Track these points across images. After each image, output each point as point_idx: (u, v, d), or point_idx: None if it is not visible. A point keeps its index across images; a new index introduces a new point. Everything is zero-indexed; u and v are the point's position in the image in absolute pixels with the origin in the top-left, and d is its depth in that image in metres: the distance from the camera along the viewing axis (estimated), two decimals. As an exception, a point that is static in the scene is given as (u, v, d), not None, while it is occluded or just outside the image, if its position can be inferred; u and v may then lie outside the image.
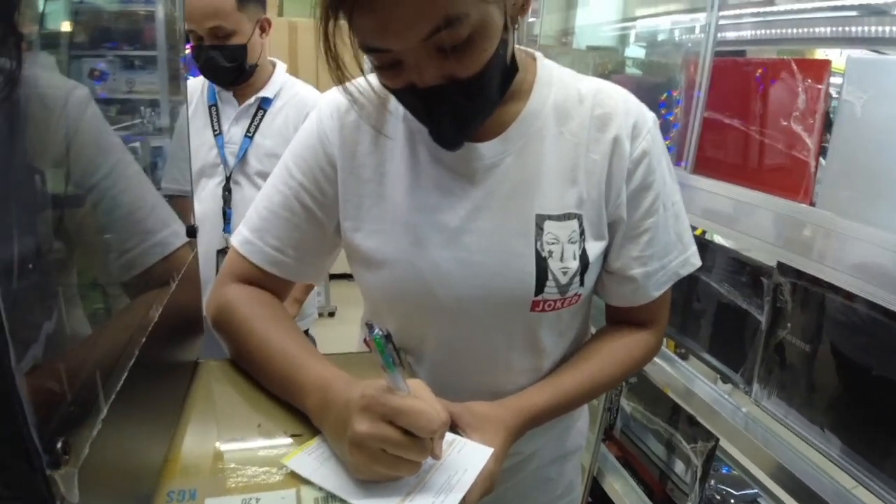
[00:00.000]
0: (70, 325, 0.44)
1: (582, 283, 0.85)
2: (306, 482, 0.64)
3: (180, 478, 0.63)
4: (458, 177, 0.85)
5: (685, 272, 0.93)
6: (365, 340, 0.63)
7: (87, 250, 0.55)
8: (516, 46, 0.83)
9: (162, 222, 0.75)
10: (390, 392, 0.64)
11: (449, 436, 0.72)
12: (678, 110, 1.66)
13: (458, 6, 0.64)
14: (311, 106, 1.81)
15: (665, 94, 1.74)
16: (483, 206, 0.84)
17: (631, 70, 2.17)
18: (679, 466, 1.63)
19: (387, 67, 0.72)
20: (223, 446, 0.69)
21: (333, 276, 4.20)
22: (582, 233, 0.84)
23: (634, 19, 2.27)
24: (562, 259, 0.83)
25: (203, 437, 0.71)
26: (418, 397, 0.65)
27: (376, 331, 0.61)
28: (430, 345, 0.91)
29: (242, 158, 1.81)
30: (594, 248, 0.86)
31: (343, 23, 0.68)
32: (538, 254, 0.83)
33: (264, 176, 1.79)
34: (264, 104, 1.84)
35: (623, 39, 2.34)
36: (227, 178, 1.81)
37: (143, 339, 0.55)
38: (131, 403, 0.51)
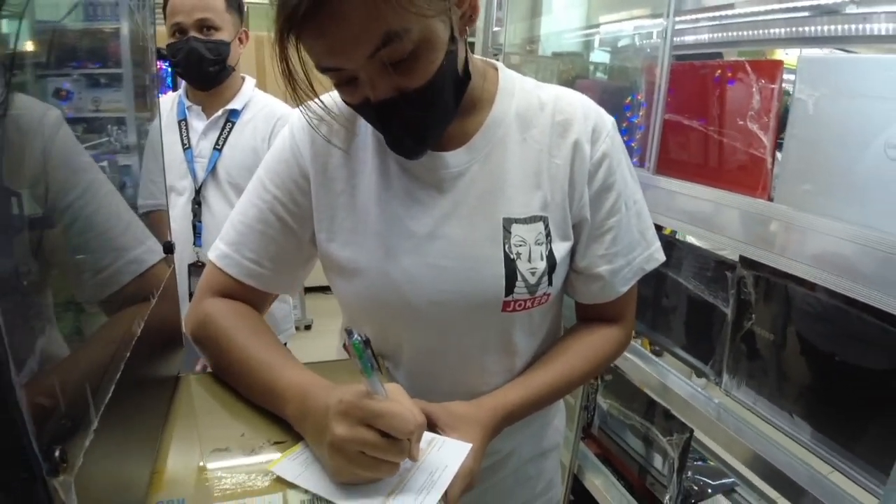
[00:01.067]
0: (54, 342, 0.46)
1: (550, 283, 0.88)
2: (292, 486, 0.66)
3: (168, 488, 0.64)
4: (426, 186, 0.88)
5: (650, 267, 0.97)
6: (344, 346, 0.65)
7: (63, 270, 0.56)
8: (477, 57, 0.88)
9: (136, 240, 0.76)
10: (368, 396, 0.66)
11: (428, 435, 0.74)
12: (642, 112, 1.70)
13: (398, 22, 0.67)
14: (278, 117, 1.86)
15: (630, 98, 1.79)
16: (451, 213, 0.87)
17: (595, 75, 2.21)
18: (657, 460, 1.66)
19: (344, 84, 0.76)
20: (208, 456, 0.71)
21: (309, 290, 4.20)
22: (548, 234, 0.88)
23: (598, 26, 2.31)
24: (529, 260, 0.87)
25: (188, 447, 0.72)
26: (395, 401, 0.67)
27: (355, 336, 0.64)
28: (407, 349, 0.93)
29: (212, 171, 1.82)
30: (560, 249, 0.89)
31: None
32: (506, 255, 0.86)
33: (234, 187, 1.82)
34: (232, 116, 1.85)
35: (587, 45, 2.37)
36: (197, 192, 1.82)
37: (128, 354, 0.57)
38: (119, 416, 0.53)
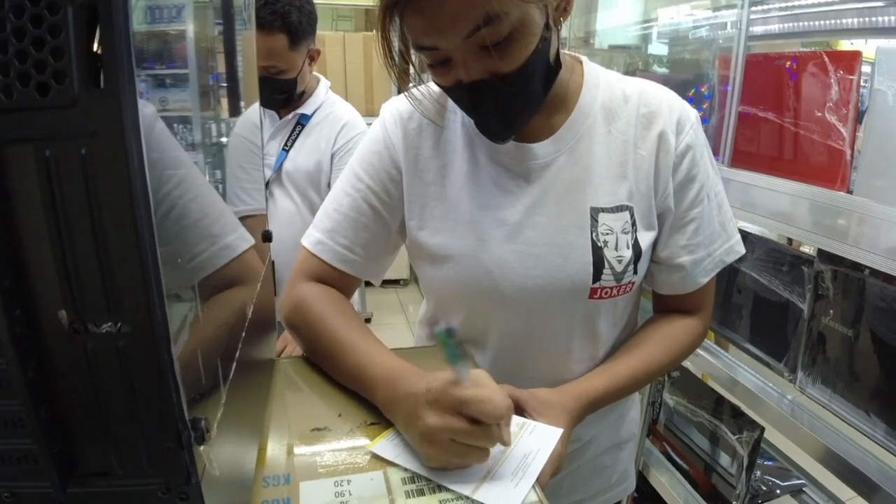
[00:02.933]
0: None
1: (636, 272, 0.90)
2: (392, 464, 0.68)
3: (273, 464, 0.67)
4: (514, 176, 0.91)
5: (730, 259, 0.97)
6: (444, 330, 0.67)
7: (166, 253, 0.59)
8: (563, 51, 0.89)
9: (230, 227, 0.79)
10: (455, 384, 0.67)
11: (518, 419, 0.76)
12: (707, 105, 1.68)
13: (497, 6, 0.69)
14: (344, 123, 1.91)
15: (693, 90, 1.77)
16: (540, 202, 0.89)
17: (655, 68, 2.19)
18: (724, 458, 1.64)
19: (437, 65, 0.78)
20: (308, 435, 0.74)
21: (369, 283, 4.26)
22: (634, 223, 0.89)
23: (656, 19, 2.29)
24: (616, 248, 0.88)
25: (289, 426, 0.76)
26: (482, 386, 0.68)
27: (441, 325, 0.66)
28: (494, 335, 0.95)
29: (278, 170, 1.88)
30: (645, 238, 0.91)
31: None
32: (594, 243, 0.88)
33: (296, 188, 1.88)
34: (302, 120, 1.90)
35: (645, 38, 2.36)
36: (265, 189, 1.87)
37: (243, 334, 0.60)
38: (238, 393, 0.56)
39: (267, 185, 1.87)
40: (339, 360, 0.85)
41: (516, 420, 0.75)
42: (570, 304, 0.90)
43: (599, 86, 0.92)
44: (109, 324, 0.37)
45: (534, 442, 0.72)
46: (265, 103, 1.82)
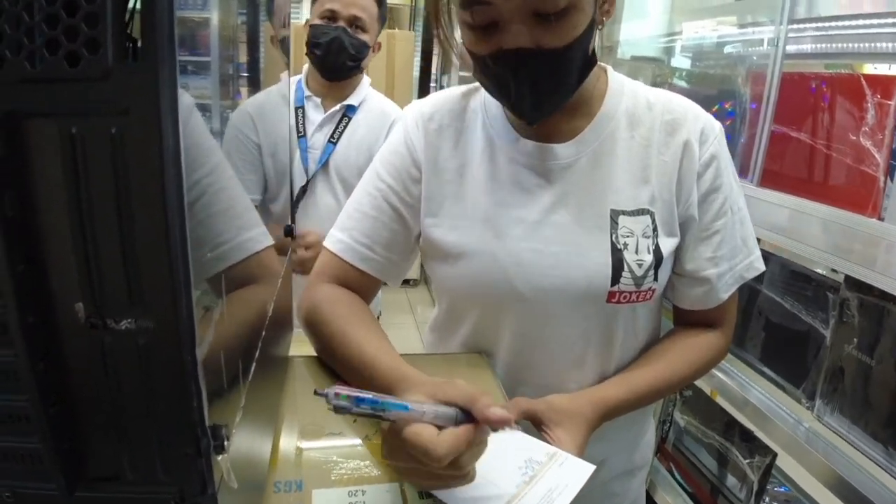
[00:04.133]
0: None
1: (656, 278, 0.87)
2: (409, 477, 0.65)
3: (284, 469, 0.65)
4: (535, 176, 0.89)
5: (749, 276, 0.95)
6: (333, 409, 0.57)
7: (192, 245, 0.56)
8: None
9: (255, 221, 0.77)
10: (400, 427, 0.59)
11: (550, 449, 0.72)
12: (730, 123, 1.65)
13: None
14: (391, 118, 1.90)
15: (717, 106, 1.74)
16: (559, 202, 0.88)
17: (678, 81, 2.16)
18: (732, 481, 1.61)
19: (481, 28, 0.77)
20: (324, 440, 0.71)
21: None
22: (655, 228, 0.88)
23: (681, 32, 2.26)
24: (637, 251, 0.86)
25: (302, 430, 0.73)
26: (443, 396, 0.62)
27: (330, 391, 0.56)
28: (507, 337, 0.93)
29: (324, 164, 1.85)
30: (667, 244, 0.89)
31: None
32: (613, 245, 0.86)
33: (343, 182, 1.86)
34: (349, 111, 1.88)
35: (668, 51, 2.33)
36: (308, 182, 1.86)
37: (263, 334, 0.57)
38: (256, 394, 0.53)
39: (311, 178, 1.86)
40: (351, 368, 0.82)
41: (547, 450, 0.71)
42: (586, 307, 0.88)
43: (624, 92, 0.92)
44: (130, 320, 0.34)
45: (562, 476, 0.68)
46: (333, 57, 1.78)
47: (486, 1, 0.73)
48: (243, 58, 0.88)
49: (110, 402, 0.36)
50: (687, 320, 0.99)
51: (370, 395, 0.57)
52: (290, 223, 0.85)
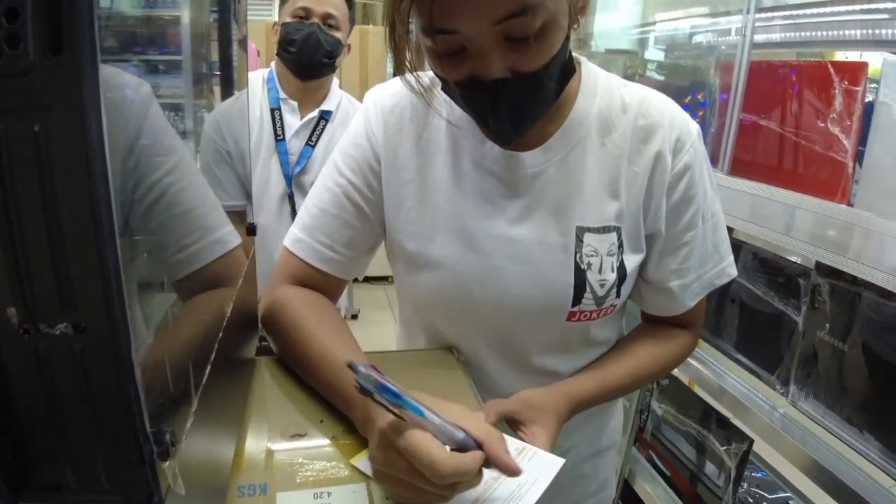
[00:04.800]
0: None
1: (618, 295, 0.86)
2: (374, 478, 0.64)
3: (248, 472, 0.63)
4: (500, 185, 0.85)
5: (720, 283, 0.93)
6: (357, 388, 0.59)
7: (149, 245, 0.55)
8: None
9: (221, 220, 0.75)
10: (407, 427, 0.60)
11: (518, 444, 0.72)
12: (703, 113, 1.66)
13: None
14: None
15: (689, 97, 1.74)
16: (524, 216, 0.85)
17: (652, 73, 2.17)
18: (710, 469, 1.62)
19: (449, 55, 0.71)
20: (289, 441, 0.70)
21: (355, 280, 4.24)
22: (620, 245, 0.85)
23: (654, 23, 2.26)
24: (600, 271, 0.84)
25: (267, 432, 0.71)
26: (454, 421, 0.61)
27: (361, 368, 0.57)
28: (465, 346, 0.92)
29: (303, 168, 1.85)
30: (632, 261, 0.87)
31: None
32: (577, 265, 0.84)
33: None
34: (326, 115, 1.89)
35: (642, 43, 2.34)
36: (290, 186, 1.86)
37: (220, 335, 0.55)
38: (212, 397, 0.52)
39: (290, 182, 1.86)
40: (314, 371, 0.80)
41: (516, 444, 0.71)
42: (545, 324, 0.87)
43: (597, 92, 0.86)
44: (64, 324, 0.33)
45: (532, 470, 0.67)
46: (307, 54, 1.77)
47: (451, 30, 0.68)
48: (216, 56, 0.87)
49: (48, 409, 0.35)
50: (654, 319, 0.99)
51: (394, 387, 0.58)
52: (251, 220, 0.83)
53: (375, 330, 3.70)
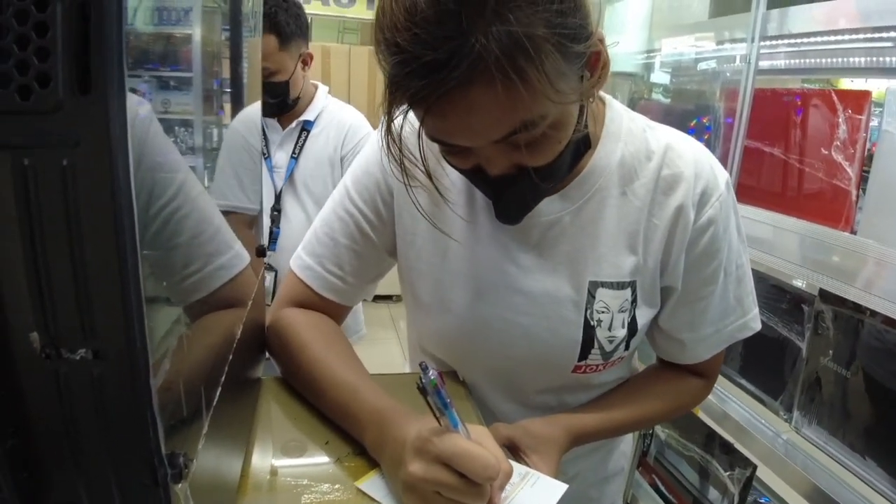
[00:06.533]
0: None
1: (627, 348, 0.85)
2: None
3: (254, 494, 0.64)
4: (514, 232, 0.83)
5: (742, 336, 0.90)
6: (418, 386, 0.61)
7: (154, 271, 0.55)
8: None
9: (226, 245, 0.76)
10: (447, 433, 0.62)
11: (522, 469, 0.72)
12: (708, 136, 1.67)
13: (538, 110, 0.61)
14: (349, 125, 1.91)
15: (694, 121, 1.76)
16: (536, 266, 0.83)
17: (657, 97, 2.19)
18: (713, 494, 1.62)
19: (455, 153, 0.70)
20: (294, 462, 0.71)
21: (365, 299, 4.24)
22: (634, 300, 0.83)
23: (660, 49, 2.29)
24: (610, 328, 0.82)
25: (273, 453, 0.72)
26: (479, 443, 0.62)
27: (431, 373, 0.60)
28: (467, 377, 0.93)
29: (289, 179, 1.87)
30: (644, 315, 0.85)
31: None
32: (587, 322, 0.82)
33: (310, 195, 1.88)
34: (307, 126, 1.90)
35: (648, 67, 2.36)
36: (277, 199, 1.88)
37: (230, 357, 0.56)
38: (222, 418, 0.53)
39: (279, 196, 1.88)
40: (322, 393, 0.80)
41: (519, 469, 0.71)
42: (549, 374, 0.87)
43: (621, 136, 0.81)
44: (84, 350, 0.34)
45: (535, 496, 0.68)
46: (268, 115, 1.81)
47: (454, 143, 0.66)
48: (226, 73, 0.88)
49: (66, 431, 0.36)
50: (668, 363, 0.96)
51: (447, 397, 0.61)
52: (262, 243, 0.84)
53: (380, 348, 3.70)
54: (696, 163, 0.80)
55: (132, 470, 0.37)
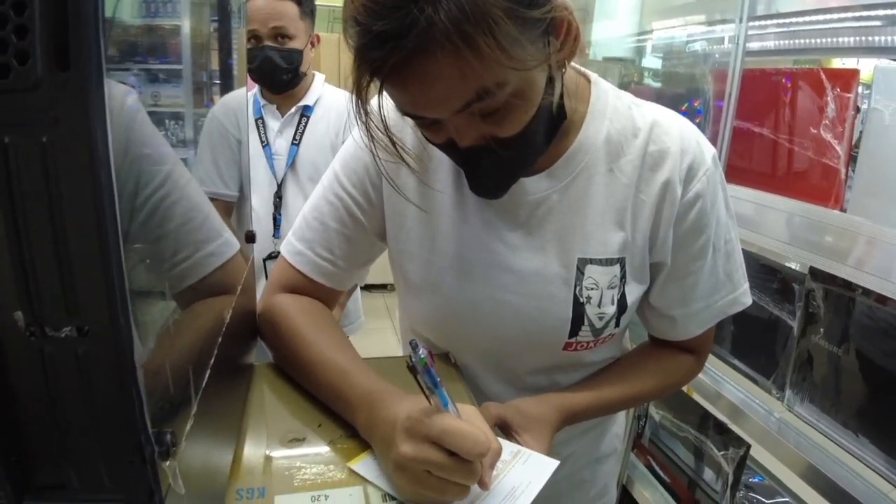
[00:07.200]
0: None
1: (618, 325, 0.85)
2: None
3: (247, 476, 0.64)
4: (502, 211, 0.83)
5: (733, 311, 0.90)
6: (408, 364, 0.61)
7: (144, 258, 0.56)
8: (572, 66, 0.80)
9: (215, 232, 0.76)
10: (437, 412, 0.62)
11: (513, 447, 0.73)
12: (699, 120, 1.67)
13: (493, 78, 0.60)
14: (349, 111, 1.89)
15: (686, 104, 1.76)
16: (525, 245, 0.83)
17: (648, 81, 2.19)
18: (708, 474, 1.63)
19: (427, 126, 0.71)
20: (286, 446, 0.71)
21: (362, 288, 4.25)
22: (623, 277, 0.83)
23: (651, 32, 2.29)
24: (600, 304, 0.83)
25: (266, 436, 0.72)
26: (468, 421, 0.63)
27: (420, 351, 0.60)
28: (458, 358, 0.93)
29: (291, 166, 1.88)
30: (634, 292, 0.85)
31: None
32: (576, 299, 0.82)
33: (311, 181, 1.87)
34: (306, 111, 1.90)
35: (639, 51, 2.36)
36: (279, 186, 1.88)
37: (219, 340, 0.57)
38: (211, 401, 0.53)
39: (280, 184, 1.88)
40: (314, 377, 0.80)
41: (510, 447, 0.72)
42: (539, 353, 0.87)
43: (607, 114, 0.81)
44: (69, 328, 0.34)
45: (526, 473, 0.68)
46: (269, 77, 1.79)
47: (420, 115, 0.67)
48: (216, 65, 0.88)
49: (53, 410, 0.36)
50: (660, 340, 0.97)
51: (437, 376, 0.61)
52: (251, 229, 0.84)
53: (376, 338, 3.69)
54: (683, 138, 0.80)
55: (119, 448, 0.37)
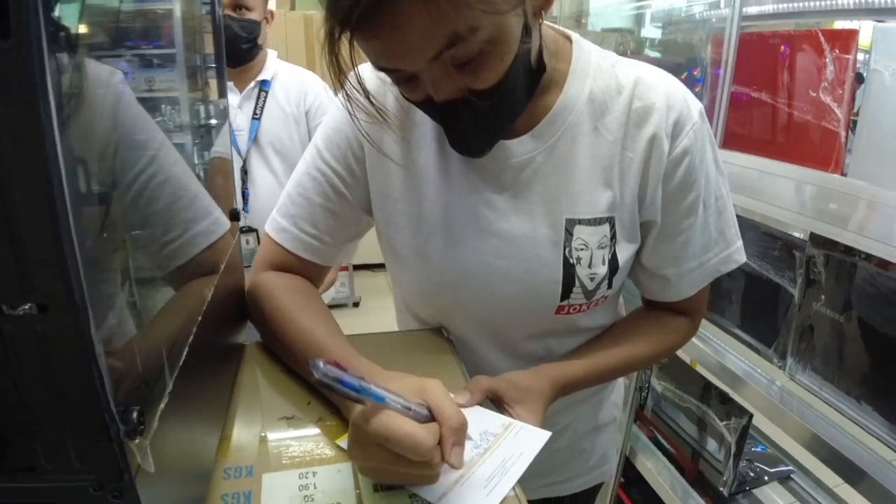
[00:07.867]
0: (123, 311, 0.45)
1: (610, 286, 0.84)
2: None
3: (235, 455, 0.64)
4: (486, 175, 0.83)
5: (726, 269, 0.90)
6: (318, 385, 0.56)
7: (130, 241, 0.55)
8: (550, 26, 0.81)
9: (204, 210, 0.75)
10: (378, 414, 0.58)
11: (504, 420, 0.72)
12: (699, 89, 1.65)
13: (464, 22, 0.59)
14: (307, 80, 1.99)
15: (686, 73, 1.73)
16: (512, 208, 0.82)
17: (647, 51, 2.15)
18: (711, 444, 1.63)
19: (403, 82, 0.69)
20: (275, 424, 0.71)
21: (357, 267, 4.24)
22: (613, 236, 0.82)
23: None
24: (590, 265, 0.82)
25: (254, 415, 0.72)
26: (433, 401, 0.60)
27: (321, 366, 0.54)
28: (452, 330, 0.93)
29: (254, 140, 1.92)
30: (625, 251, 0.84)
31: None
32: (566, 260, 0.81)
33: (276, 152, 1.94)
34: (264, 86, 1.95)
35: (638, 20, 2.32)
36: (245, 161, 1.92)
37: (199, 319, 0.56)
38: (191, 381, 0.52)
39: (246, 158, 1.93)
40: (298, 357, 0.79)
41: (501, 420, 0.71)
42: (532, 318, 0.86)
43: (589, 72, 0.80)
44: (28, 305, 0.33)
45: (517, 445, 0.68)
46: (229, 53, 1.82)
47: (393, 68, 0.66)
48: (210, 48, 0.86)
49: (17, 390, 0.35)
50: (653, 304, 0.96)
51: (353, 380, 0.55)
52: (235, 206, 0.83)
53: (377, 317, 3.69)
54: (668, 94, 0.79)
55: (85, 427, 0.36)
